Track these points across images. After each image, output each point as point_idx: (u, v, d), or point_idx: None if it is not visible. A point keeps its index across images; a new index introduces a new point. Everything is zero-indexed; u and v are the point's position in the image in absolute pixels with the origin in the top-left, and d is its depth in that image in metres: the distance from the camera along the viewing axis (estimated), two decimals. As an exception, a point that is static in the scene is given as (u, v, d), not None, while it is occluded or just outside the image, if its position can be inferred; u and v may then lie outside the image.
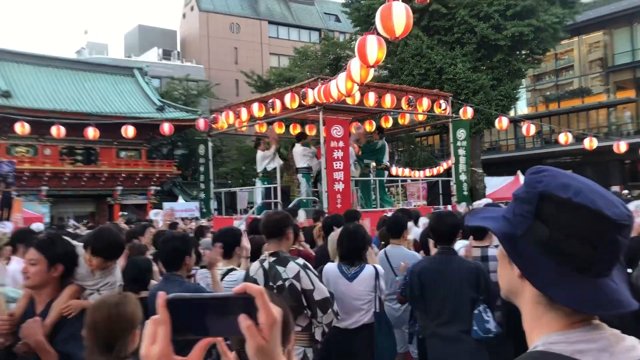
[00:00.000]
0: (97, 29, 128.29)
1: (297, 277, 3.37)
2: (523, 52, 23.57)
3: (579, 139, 24.33)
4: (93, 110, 29.68)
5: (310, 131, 14.47)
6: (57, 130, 13.67)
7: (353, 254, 4.11)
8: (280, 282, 3.36)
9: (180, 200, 33.37)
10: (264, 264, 3.51)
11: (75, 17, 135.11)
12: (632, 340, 0.93)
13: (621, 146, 14.85)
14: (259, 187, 11.95)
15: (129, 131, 14.05)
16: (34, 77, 31.11)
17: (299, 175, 11.50)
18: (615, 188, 27.35)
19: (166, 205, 30.24)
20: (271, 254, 3.51)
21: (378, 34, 5.58)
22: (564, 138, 15.21)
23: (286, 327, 1.94)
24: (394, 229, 5.10)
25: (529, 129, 14.34)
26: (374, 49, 5.75)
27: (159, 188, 35.06)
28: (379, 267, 4.17)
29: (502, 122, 14.13)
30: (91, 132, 13.65)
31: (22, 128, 13.27)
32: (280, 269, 3.41)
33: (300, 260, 3.50)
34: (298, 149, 11.40)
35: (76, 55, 47.24)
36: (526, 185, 0.99)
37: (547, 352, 0.93)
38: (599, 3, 31.26)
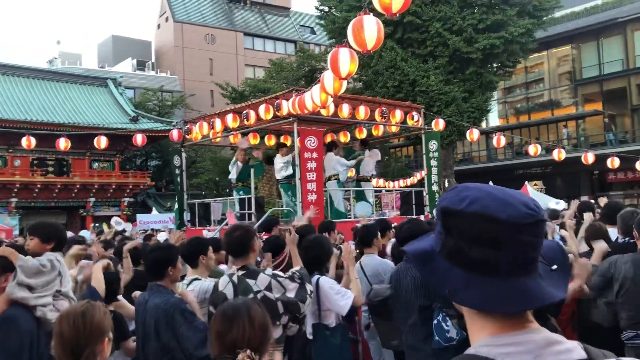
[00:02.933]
0: (69, 38, 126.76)
1: (269, 287, 3.39)
2: (494, 64, 24.05)
3: (548, 150, 24.85)
4: (65, 120, 29.31)
5: (285, 141, 14.54)
6: (28, 141, 13.50)
7: (311, 264, 4.12)
8: (251, 295, 3.33)
9: (154, 211, 33.06)
10: (233, 277, 3.51)
11: (48, 26, 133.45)
12: (570, 345, 0.97)
13: (589, 157, 15.20)
14: (236, 197, 11.97)
15: (101, 142, 13.93)
16: (4, 87, 30.63)
17: (280, 187, 11.60)
18: (585, 198, 27.94)
19: (139, 216, 29.97)
20: (240, 268, 3.52)
21: (350, 47, 5.70)
22: (534, 149, 15.52)
23: (264, 335, 2.00)
24: (364, 238, 5.18)
25: (500, 140, 14.62)
26: (346, 61, 5.85)
27: (132, 199, 34.70)
28: (325, 278, 4.12)
29: (473, 134, 14.41)
30: (63, 143, 13.50)
31: (-9, 139, 13.08)
32: (250, 282, 3.40)
33: (269, 271, 3.53)
34: (277, 159, 11.48)
35: (48, 65, 46.64)
36: (437, 202, 1.06)
37: (474, 355, 0.98)
38: (567, 18, 32.07)
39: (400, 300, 3.89)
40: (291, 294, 3.43)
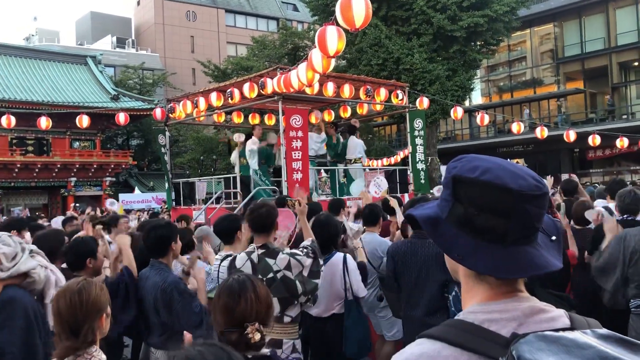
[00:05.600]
0: (47, 15, 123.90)
1: (288, 266, 3.40)
2: (478, 42, 24.03)
3: (531, 128, 25.08)
4: (45, 99, 28.80)
5: (269, 120, 14.49)
6: (8, 120, 13.27)
7: (325, 242, 4.14)
8: (271, 275, 3.36)
9: (137, 191, 32.86)
10: (252, 256, 3.50)
11: (24, 2, 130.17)
12: (555, 313, 1.00)
13: (570, 135, 15.35)
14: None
15: (83, 121, 13.75)
16: (-20, 65, 29.98)
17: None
18: (565, 176, 28.35)
19: (122, 196, 29.76)
20: (260, 247, 3.50)
21: (338, 24, 5.66)
22: (517, 127, 15.63)
23: (269, 310, 2.04)
24: (369, 217, 5.33)
25: (483, 118, 14.69)
26: (334, 39, 5.82)
27: (114, 179, 34.38)
28: (350, 257, 4.20)
29: (457, 112, 14.45)
30: (44, 122, 13.28)
31: (-30, 118, 12.83)
32: (270, 261, 3.41)
33: (287, 250, 3.56)
34: (315, 138, 11.73)
35: (25, 42, 45.70)
36: (446, 171, 1.09)
37: (461, 320, 1.02)
38: (550, -5, 32.13)
39: (412, 276, 3.94)
40: (307, 271, 3.45)
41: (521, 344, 0.89)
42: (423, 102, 12.93)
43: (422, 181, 12.50)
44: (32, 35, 48.04)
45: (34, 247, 3.41)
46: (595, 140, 15.48)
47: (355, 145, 12.33)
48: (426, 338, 1.03)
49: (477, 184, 1.00)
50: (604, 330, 0.93)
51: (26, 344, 2.72)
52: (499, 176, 1.00)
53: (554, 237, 1.07)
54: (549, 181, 6.33)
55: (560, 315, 0.99)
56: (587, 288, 4.54)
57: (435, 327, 1.06)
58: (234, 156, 12.17)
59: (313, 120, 13.68)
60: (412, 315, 3.94)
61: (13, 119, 13.45)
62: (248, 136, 13.28)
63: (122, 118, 13.66)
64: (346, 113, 13.65)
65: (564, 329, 0.95)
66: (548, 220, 1.10)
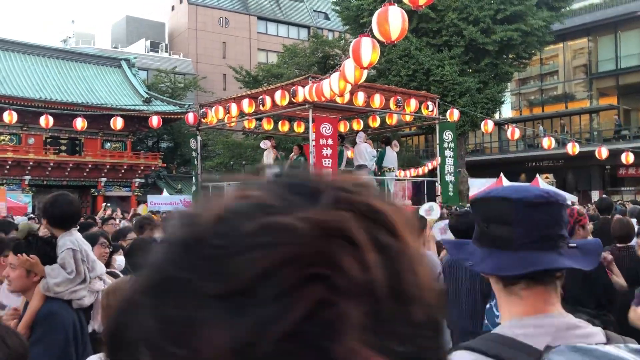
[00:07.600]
0: (84, 18, 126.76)
1: None
2: (510, 55, 23.86)
3: (561, 143, 24.77)
4: (80, 100, 29.43)
5: (298, 128, 14.61)
6: (46, 120, 13.65)
7: None
8: None
9: (165, 193, 33.24)
10: None
11: (62, 5, 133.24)
12: (592, 330, 1.04)
13: (602, 152, 15.15)
14: None
15: (117, 123, 14.05)
16: (20, 65, 30.73)
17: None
18: (595, 193, 27.84)
19: (150, 198, 30.14)
20: None
21: (373, 36, 5.73)
22: (548, 142, 15.48)
23: None
24: None
25: (514, 132, 14.59)
26: (368, 51, 5.89)
27: (143, 180, 34.86)
28: None
29: (487, 125, 14.38)
30: (80, 123, 13.62)
31: (9, 117, 13.22)
32: None
33: None
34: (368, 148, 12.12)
35: (62, 44, 46.78)
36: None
37: (498, 334, 1.09)
38: (584, 10, 31.69)
39: (460, 288, 4.00)
40: None
41: (554, 354, 0.92)
42: (453, 114, 12.91)
43: (451, 193, 12.46)
44: (69, 38, 49.15)
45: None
46: (628, 158, 15.25)
47: (391, 155, 12.66)
48: (463, 350, 1.07)
49: (485, 200, 1.18)
50: (637, 345, 0.96)
51: (61, 358, 2.74)
52: (503, 191, 1.16)
53: (573, 244, 1.12)
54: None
55: (596, 333, 1.03)
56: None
57: (472, 340, 1.10)
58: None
59: (342, 128, 13.79)
60: (460, 326, 3.98)
61: (51, 119, 13.81)
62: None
63: (155, 121, 13.93)
64: (375, 123, 13.70)
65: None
66: (592, 240, 1.20)
